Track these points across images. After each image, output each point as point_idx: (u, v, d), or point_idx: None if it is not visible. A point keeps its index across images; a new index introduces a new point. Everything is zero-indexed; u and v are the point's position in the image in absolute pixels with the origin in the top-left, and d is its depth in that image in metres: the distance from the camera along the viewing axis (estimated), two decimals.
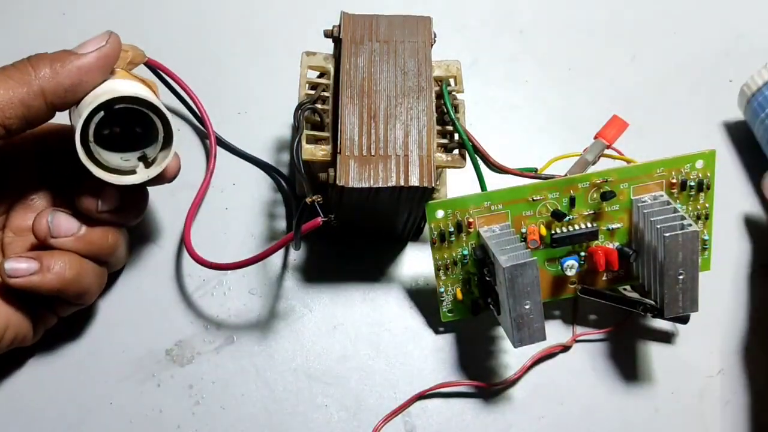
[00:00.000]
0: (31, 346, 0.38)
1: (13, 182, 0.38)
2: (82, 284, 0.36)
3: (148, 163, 0.35)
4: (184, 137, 0.46)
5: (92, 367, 0.40)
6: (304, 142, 0.37)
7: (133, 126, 0.35)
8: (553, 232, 0.38)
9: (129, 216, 0.37)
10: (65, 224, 0.35)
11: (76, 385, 0.40)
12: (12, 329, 0.36)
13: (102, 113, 0.33)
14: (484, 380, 0.41)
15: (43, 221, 0.35)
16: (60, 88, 0.33)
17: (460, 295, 0.39)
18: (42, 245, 0.35)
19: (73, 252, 0.35)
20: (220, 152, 0.45)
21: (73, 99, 0.34)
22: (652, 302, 0.38)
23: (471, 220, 0.38)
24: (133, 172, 0.35)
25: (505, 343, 0.41)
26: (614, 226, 0.39)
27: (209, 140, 0.45)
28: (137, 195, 0.37)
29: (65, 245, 0.35)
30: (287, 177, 0.45)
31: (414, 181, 0.35)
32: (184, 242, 0.40)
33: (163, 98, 0.41)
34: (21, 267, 0.34)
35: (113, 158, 0.35)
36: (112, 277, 0.42)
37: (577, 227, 0.38)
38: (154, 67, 0.42)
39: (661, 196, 0.38)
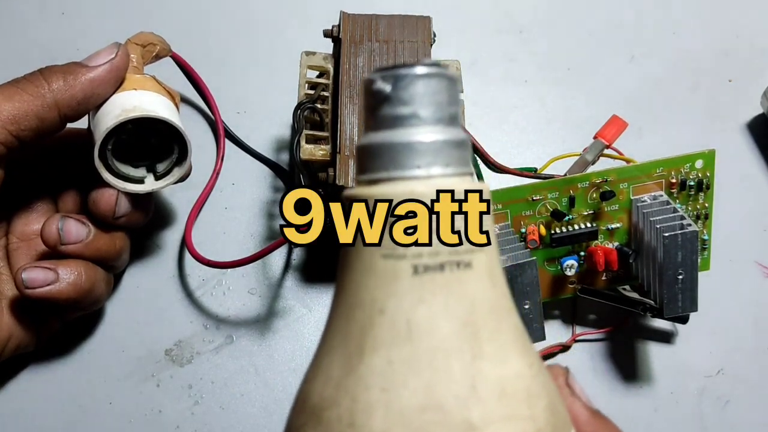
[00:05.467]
0: None
1: (13, 187, 0.37)
2: (96, 292, 0.36)
3: (157, 174, 0.36)
4: (189, 135, 0.46)
5: (92, 367, 0.40)
6: (303, 142, 0.37)
7: (149, 136, 0.35)
8: (552, 231, 0.38)
9: (138, 221, 0.37)
10: (75, 230, 0.35)
11: (76, 385, 0.40)
12: (15, 339, 0.35)
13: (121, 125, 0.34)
14: None
15: (53, 228, 0.34)
16: (73, 100, 0.33)
17: None
18: (51, 252, 0.35)
19: (84, 258, 0.35)
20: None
21: (85, 111, 0.34)
22: (652, 302, 0.38)
23: None
24: (141, 180, 0.36)
25: None
26: (614, 225, 0.39)
27: (219, 141, 0.44)
28: (146, 200, 0.37)
29: (75, 252, 0.35)
30: (287, 177, 0.45)
31: None
32: (185, 241, 0.40)
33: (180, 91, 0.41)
34: (38, 277, 0.33)
35: (125, 166, 0.35)
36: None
37: (576, 227, 0.38)
38: (178, 62, 0.42)
39: (661, 195, 0.38)
